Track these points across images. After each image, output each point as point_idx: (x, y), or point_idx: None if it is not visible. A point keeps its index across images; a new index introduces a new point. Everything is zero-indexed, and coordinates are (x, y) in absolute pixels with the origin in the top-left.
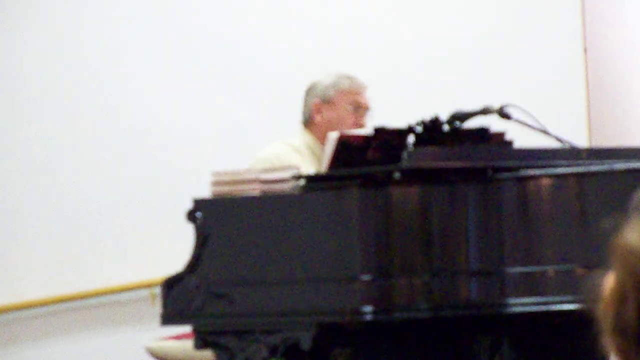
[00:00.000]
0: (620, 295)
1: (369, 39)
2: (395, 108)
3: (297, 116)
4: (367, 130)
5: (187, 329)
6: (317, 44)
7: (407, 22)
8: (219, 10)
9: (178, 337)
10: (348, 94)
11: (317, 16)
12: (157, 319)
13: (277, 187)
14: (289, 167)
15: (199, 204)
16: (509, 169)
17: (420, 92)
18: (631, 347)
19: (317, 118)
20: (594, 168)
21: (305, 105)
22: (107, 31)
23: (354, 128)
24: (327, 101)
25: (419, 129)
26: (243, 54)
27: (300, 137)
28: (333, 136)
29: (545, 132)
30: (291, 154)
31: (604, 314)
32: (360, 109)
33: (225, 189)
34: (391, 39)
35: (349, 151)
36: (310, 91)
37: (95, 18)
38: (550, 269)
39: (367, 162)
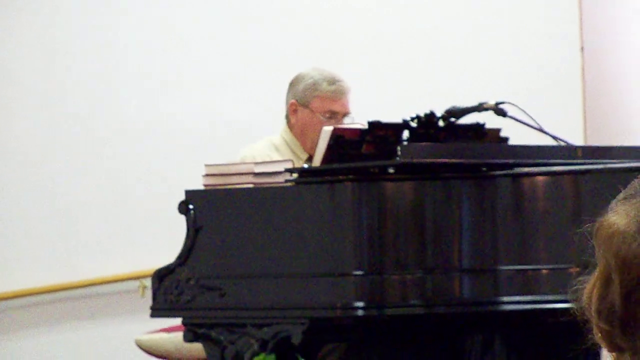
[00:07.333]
0: (605, 278)
1: (363, 33)
2: (386, 105)
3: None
4: (361, 124)
5: (177, 321)
6: (319, 42)
7: (403, 16)
8: (222, 15)
9: (168, 330)
10: (324, 102)
11: (316, 15)
12: (146, 310)
13: (270, 180)
14: (282, 161)
15: (191, 196)
16: (504, 166)
17: (415, 88)
18: (616, 331)
19: (292, 119)
20: (589, 167)
21: (286, 100)
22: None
23: None
24: (303, 104)
25: (414, 124)
26: (241, 53)
27: (282, 134)
28: (327, 130)
29: (540, 129)
30: (269, 153)
31: (589, 298)
32: (336, 116)
33: (217, 181)
34: (386, 37)
35: (343, 145)
36: (292, 87)
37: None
38: (543, 268)
39: (361, 156)
